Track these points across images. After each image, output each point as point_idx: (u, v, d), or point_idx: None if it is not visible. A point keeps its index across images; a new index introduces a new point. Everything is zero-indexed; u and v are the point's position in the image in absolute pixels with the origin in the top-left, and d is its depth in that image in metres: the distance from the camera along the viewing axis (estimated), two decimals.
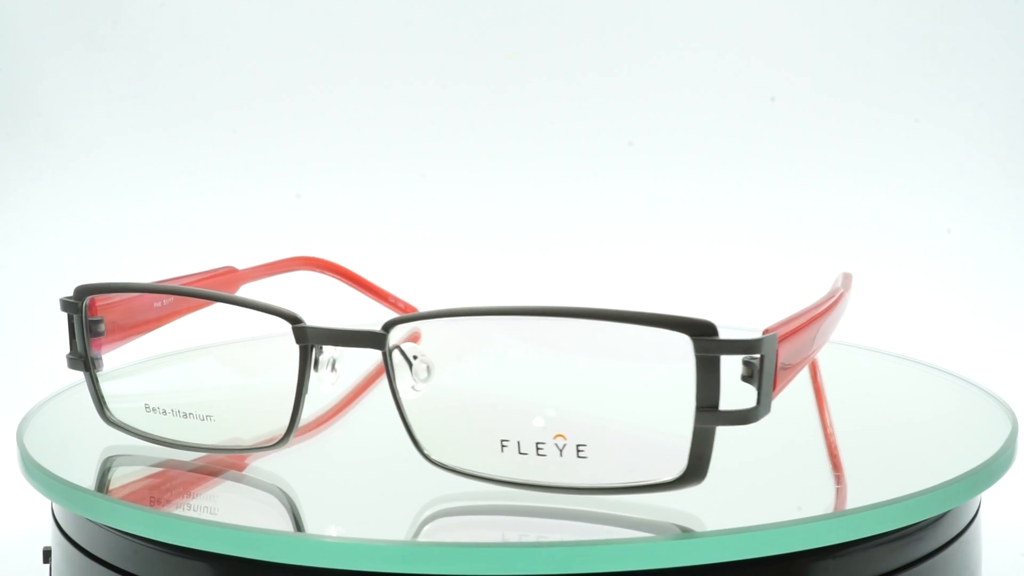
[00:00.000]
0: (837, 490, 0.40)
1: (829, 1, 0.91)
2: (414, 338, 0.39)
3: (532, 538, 0.37)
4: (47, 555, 0.43)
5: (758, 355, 0.34)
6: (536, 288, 0.84)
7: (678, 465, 0.35)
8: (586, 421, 0.37)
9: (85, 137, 0.88)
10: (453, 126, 0.91)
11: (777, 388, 0.35)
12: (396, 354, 0.38)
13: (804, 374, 0.53)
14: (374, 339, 0.38)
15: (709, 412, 0.34)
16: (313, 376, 0.39)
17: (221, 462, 0.41)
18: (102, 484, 0.40)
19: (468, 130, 0.91)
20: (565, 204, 0.90)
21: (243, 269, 0.56)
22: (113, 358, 0.45)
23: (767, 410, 0.34)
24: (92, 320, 0.43)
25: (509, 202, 0.90)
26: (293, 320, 0.39)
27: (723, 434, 0.46)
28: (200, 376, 0.52)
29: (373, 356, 0.38)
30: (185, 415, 0.42)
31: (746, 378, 0.34)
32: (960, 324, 0.82)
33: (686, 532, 0.34)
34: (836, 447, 0.44)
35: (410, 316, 0.38)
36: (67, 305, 0.43)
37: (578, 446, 0.36)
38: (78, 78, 0.88)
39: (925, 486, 0.37)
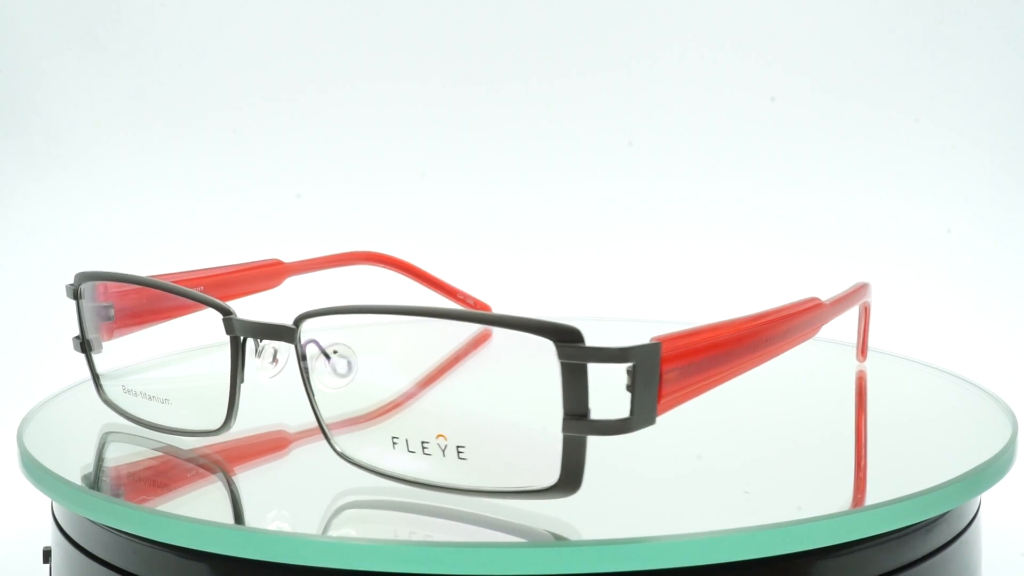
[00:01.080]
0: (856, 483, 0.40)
1: (829, 1, 0.91)
2: None
3: (430, 536, 0.37)
4: (47, 555, 0.43)
5: (630, 364, 0.32)
6: (536, 288, 0.84)
7: (553, 473, 0.34)
8: (470, 422, 0.37)
9: (85, 137, 0.88)
10: (453, 126, 0.91)
11: (667, 398, 0.33)
12: (313, 347, 0.38)
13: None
14: (284, 333, 0.38)
15: (578, 420, 0.33)
16: (256, 366, 0.40)
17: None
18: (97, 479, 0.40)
19: (468, 130, 0.91)
20: (565, 204, 0.90)
21: (289, 262, 0.57)
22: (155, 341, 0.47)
23: (648, 421, 0.33)
24: (103, 305, 0.44)
25: (509, 202, 0.90)
26: (224, 312, 0.40)
27: (723, 435, 0.46)
28: (189, 365, 0.53)
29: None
30: (149, 397, 0.44)
31: (628, 387, 0.33)
32: (960, 324, 0.82)
33: (559, 539, 0.34)
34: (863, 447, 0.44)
35: (322, 310, 0.38)
36: (69, 290, 0.46)
37: (458, 447, 0.36)
38: (78, 78, 0.88)
39: (925, 486, 0.37)
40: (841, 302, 0.46)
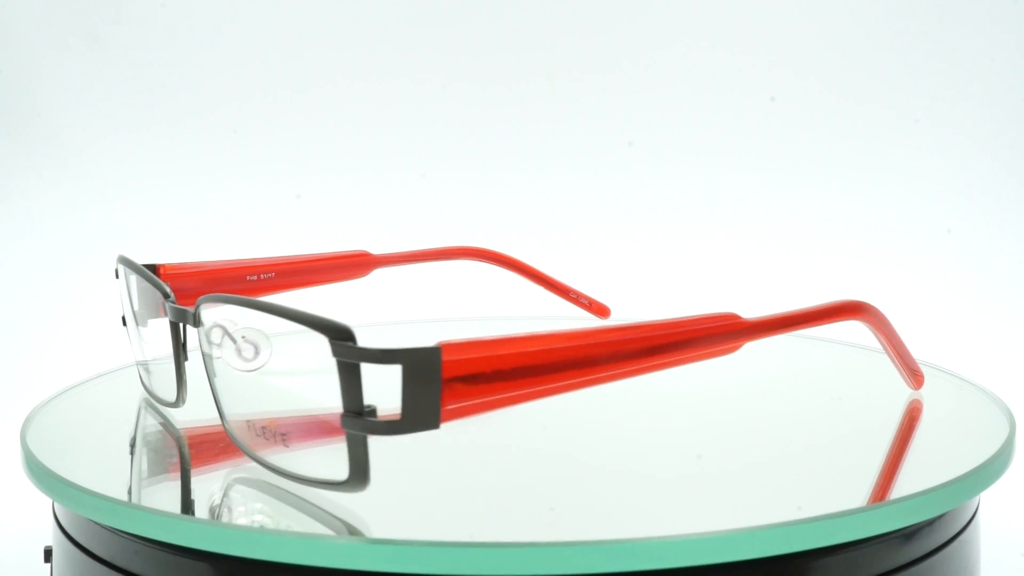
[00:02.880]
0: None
1: (830, 2, 0.91)
2: None
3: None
4: (48, 554, 0.43)
5: (398, 365, 0.32)
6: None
7: (345, 468, 0.34)
8: (298, 411, 0.38)
9: (85, 136, 0.88)
10: (453, 126, 0.91)
11: (458, 403, 0.33)
12: (217, 331, 0.39)
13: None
14: (187, 316, 0.40)
15: (354, 418, 0.33)
16: (211, 350, 0.40)
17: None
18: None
19: (468, 130, 0.91)
20: (565, 203, 0.90)
21: (378, 254, 0.57)
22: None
23: (429, 425, 0.33)
24: (160, 285, 0.46)
25: (509, 201, 0.90)
26: (165, 296, 0.42)
27: (723, 435, 0.46)
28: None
29: None
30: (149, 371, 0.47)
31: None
32: (960, 324, 0.82)
33: (354, 532, 0.34)
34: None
35: (224, 296, 0.39)
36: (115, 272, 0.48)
37: (282, 434, 0.37)
38: (78, 78, 0.88)
39: (924, 486, 0.37)
40: (790, 321, 0.42)
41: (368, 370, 0.33)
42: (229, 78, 0.90)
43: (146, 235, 0.87)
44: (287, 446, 0.37)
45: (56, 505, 0.42)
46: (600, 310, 0.62)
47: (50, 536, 0.43)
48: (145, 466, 0.43)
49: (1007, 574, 0.52)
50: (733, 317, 0.40)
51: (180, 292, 0.47)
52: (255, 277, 0.53)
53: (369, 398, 0.33)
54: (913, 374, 0.48)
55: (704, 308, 0.68)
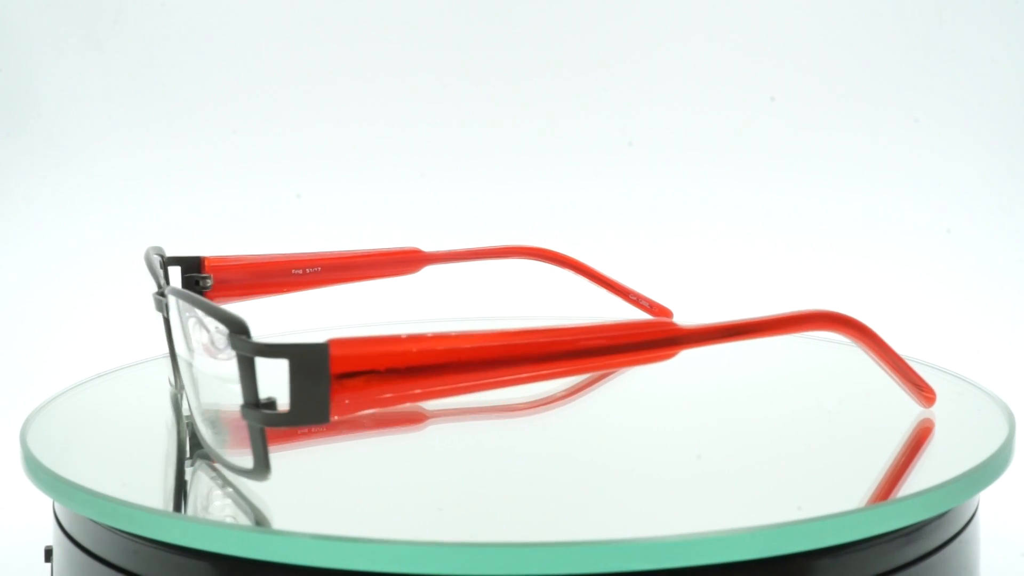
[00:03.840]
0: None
1: (830, 2, 0.91)
2: None
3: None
4: (48, 554, 0.43)
5: (285, 360, 0.33)
6: (535, 287, 0.84)
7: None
8: (227, 402, 0.39)
9: (85, 136, 0.88)
10: (453, 126, 0.91)
11: (347, 397, 0.34)
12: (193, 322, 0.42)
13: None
14: (159, 302, 0.42)
15: (251, 409, 0.34)
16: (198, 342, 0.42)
17: None
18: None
19: (468, 130, 0.91)
20: (564, 203, 0.90)
21: (430, 251, 0.58)
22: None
23: (319, 419, 0.34)
24: (200, 276, 0.50)
25: (509, 201, 0.90)
26: (161, 293, 0.43)
27: (723, 435, 0.46)
28: None
29: None
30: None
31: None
32: (960, 324, 0.82)
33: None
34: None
35: (176, 290, 0.41)
36: (153, 260, 0.49)
37: (212, 421, 0.39)
38: (78, 77, 0.88)
39: (924, 486, 0.37)
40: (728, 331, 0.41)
41: None
42: (229, 78, 0.90)
43: (146, 235, 0.87)
44: (218, 433, 0.39)
45: (56, 505, 0.42)
46: (661, 313, 0.60)
47: (50, 536, 0.43)
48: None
49: (1007, 574, 0.52)
50: (667, 324, 0.39)
51: (224, 284, 0.51)
52: (300, 271, 0.54)
53: None
54: (920, 390, 0.46)
55: (702, 306, 0.68)
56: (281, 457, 0.44)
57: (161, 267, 0.48)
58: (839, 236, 0.87)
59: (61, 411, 0.48)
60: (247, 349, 0.33)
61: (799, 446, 0.44)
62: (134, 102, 0.89)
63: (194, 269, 0.51)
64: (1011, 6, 0.88)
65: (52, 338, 0.80)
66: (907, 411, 0.49)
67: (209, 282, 0.51)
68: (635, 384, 0.53)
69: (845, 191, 0.89)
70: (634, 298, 0.60)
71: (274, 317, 0.57)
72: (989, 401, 0.47)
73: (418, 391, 0.36)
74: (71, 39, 0.88)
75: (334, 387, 0.34)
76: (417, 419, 0.47)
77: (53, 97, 0.88)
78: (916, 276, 0.85)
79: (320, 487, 0.41)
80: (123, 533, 0.38)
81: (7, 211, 0.87)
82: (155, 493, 0.40)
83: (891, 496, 0.36)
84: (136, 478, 0.41)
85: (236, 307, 0.49)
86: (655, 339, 0.38)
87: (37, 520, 0.50)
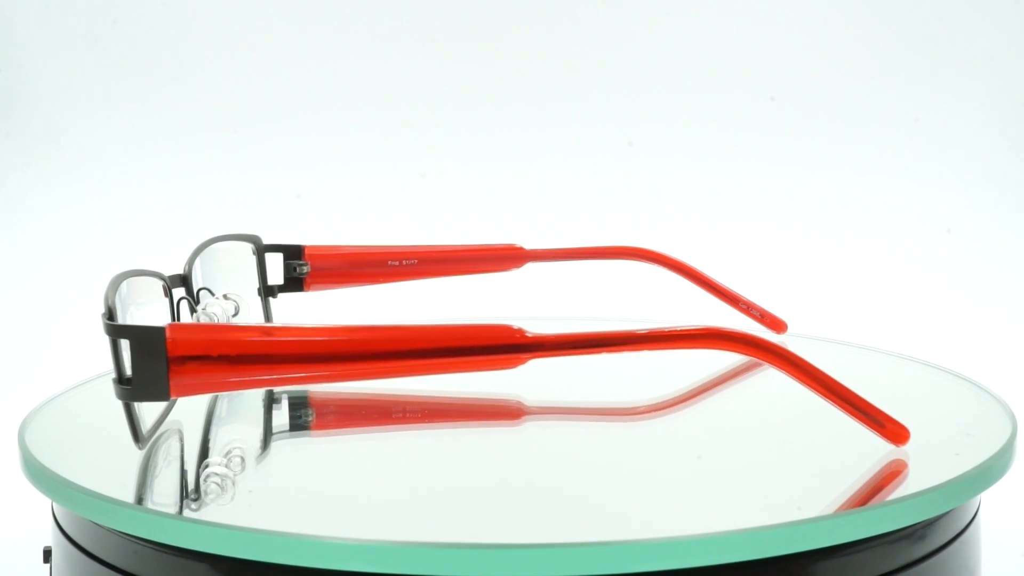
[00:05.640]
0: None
1: (830, 2, 0.91)
2: None
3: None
4: (47, 555, 0.43)
5: (125, 340, 0.37)
6: (535, 287, 0.84)
7: None
8: None
9: (85, 136, 0.88)
10: (454, 126, 0.91)
11: (187, 380, 0.37)
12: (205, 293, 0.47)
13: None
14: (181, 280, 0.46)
15: (116, 385, 0.38)
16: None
17: None
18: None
19: (468, 130, 0.91)
20: (564, 203, 0.90)
21: (531, 249, 0.58)
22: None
23: (159, 396, 0.37)
24: (298, 263, 0.54)
25: (509, 201, 0.90)
26: (159, 276, 0.45)
27: (723, 435, 0.46)
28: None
29: None
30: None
31: None
32: (960, 324, 0.82)
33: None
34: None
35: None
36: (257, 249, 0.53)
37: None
38: (78, 78, 0.88)
39: (924, 486, 0.37)
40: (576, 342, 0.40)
41: None
42: (229, 78, 0.90)
43: (146, 234, 0.87)
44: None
45: (55, 505, 0.42)
46: (774, 324, 0.58)
47: (50, 536, 0.43)
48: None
49: (1007, 574, 0.52)
50: (513, 331, 0.39)
51: (321, 272, 0.54)
52: (397, 263, 0.56)
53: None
54: (871, 419, 0.41)
55: (701, 308, 0.68)
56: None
57: (258, 253, 0.52)
58: (839, 236, 0.87)
59: (60, 411, 0.48)
60: (106, 330, 0.38)
61: (799, 446, 0.44)
62: (134, 103, 0.89)
63: (294, 257, 0.55)
64: (1011, 6, 0.88)
65: (52, 338, 0.80)
66: (908, 410, 0.49)
67: (306, 269, 0.54)
68: (634, 384, 0.53)
69: (845, 191, 0.88)
70: (744, 306, 0.58)
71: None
72: (990, 401, 0.47)
73: (248, 379, 0.38)
74: (71, 39, 0.88)
75: (174, 368, 0.37)
76: (515, 415, 0.48)
77: (53, 98, 0.88)
78: (916, 276, 0.85)
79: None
80: (122, 533, 0.38)
81: (7, 211, 0.87)
82: (155, 494, 0.40)
83: (891, 496, 0.36)
84: (136, 479, 0.41)
85: (333, 295, 0.55)
86: (497, 345, 0.39)
87: (36, 521, 0.50)
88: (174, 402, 0.45)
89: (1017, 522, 0.57)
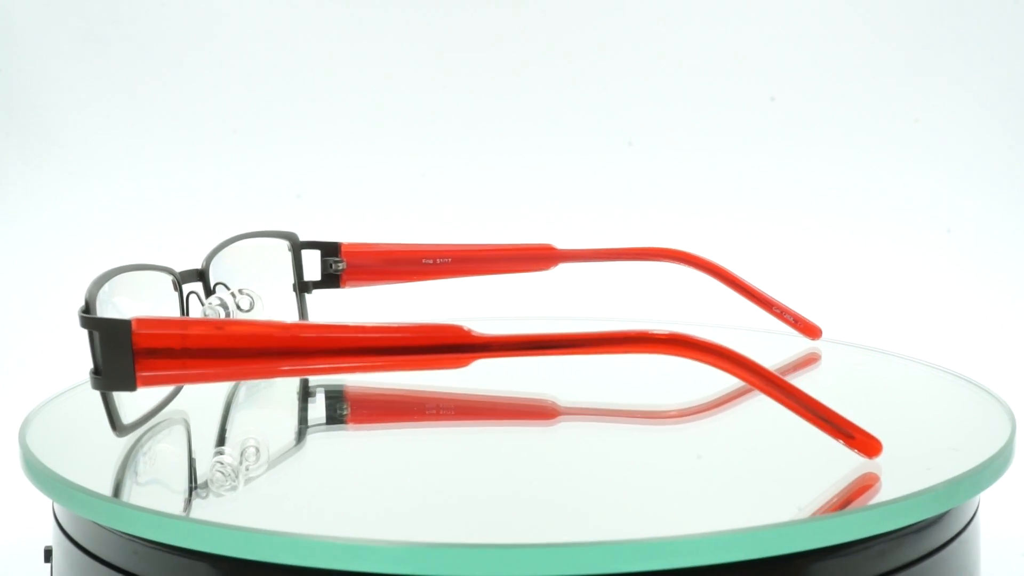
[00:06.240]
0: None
1: (830, 2, 0.91)
2: None
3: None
4: (48, 554, 0.43)
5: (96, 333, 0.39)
6: (535, 287, 0.84)
7: None
8: None
9: (85, 136, 0.88)
10: (454, 127, 0.91)
11: (152, 372, 0.39)
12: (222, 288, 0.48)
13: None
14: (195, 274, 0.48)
15: (91, 375, 0.39)
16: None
17: None
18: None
19: (469, 130, 0.91)
20: (565, 203, 0.90)
21: (564, 249, 0.58)
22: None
23: (123, 385, 0.39)
24: (335, 260, 0.55)
25: (508, 201, 0.90)
26: (169, 272, 0.46)
27: (723, 435, 0.46)
28: None
29: None
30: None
31: None
32: (960, 324, 0.82)
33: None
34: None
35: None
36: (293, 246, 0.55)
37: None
38: (78, 78, 0.88)
39: (924, 486, 0.37)
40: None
41: None
42: (229, 78, 0.90)
43: (146, 234, 0.87)
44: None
45: (56, 505, 0.42)
46: (809, 329, 0.57)
47: (50, 536, 0.43)
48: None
49: (1007, 574, 0.52)
50: (458, 330, 0.39)
51: (357, 269, 0.56)
52: (431, 261, 0.57)
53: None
54: (835, 428, 0.40)
55: (700, 308, 0.68)
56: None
57: (294, 250, 0.54)
58: (839, 236, 0.87)
59: (60, 411, 0.48)
60: (79, 321, 0.39)
61: (799, 446, 0.44)
62: (134, 103, 0.89)
63: (331, 253, 0.56)
64: (1011, 7, 0.88)
65: (52, 338, 0.80)
66: (908, 410, 0.49)
67: (341, 266, 0.56)
68: (634, 383, 0.53)
69: (845, 191, 0.88)
70: (778, 311, 0.57)
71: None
72: (989, 401, 0.47)
73: (207, 371, 0.39)
74: (71, 39, 0.88)
75: (139, 360, 0.39)
76: (549, 415, 0.48)
77: (53, 98, 0.88)
78: (916, 276, 0.85)
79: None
80: (123, 534, 0.38)
81: (7, 211, 0.87)
82: (155, 494, 0.40)
83: (892, 496, 0.36)
84: (135, 478, 0.41)
85: (370, 291, 0.56)
86: (443, 344, 0.39)
87: (36, 521, 0.50)
88: (179, 389, 0.46)
89: (1017, 522, 0.57)
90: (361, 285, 0.56)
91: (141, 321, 0.39)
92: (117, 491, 0.39)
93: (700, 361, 0.39)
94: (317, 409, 0.50)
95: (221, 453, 0.43)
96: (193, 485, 0.40)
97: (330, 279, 0.56)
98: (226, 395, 0.50)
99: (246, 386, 0.51)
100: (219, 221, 0.88)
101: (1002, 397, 0.47)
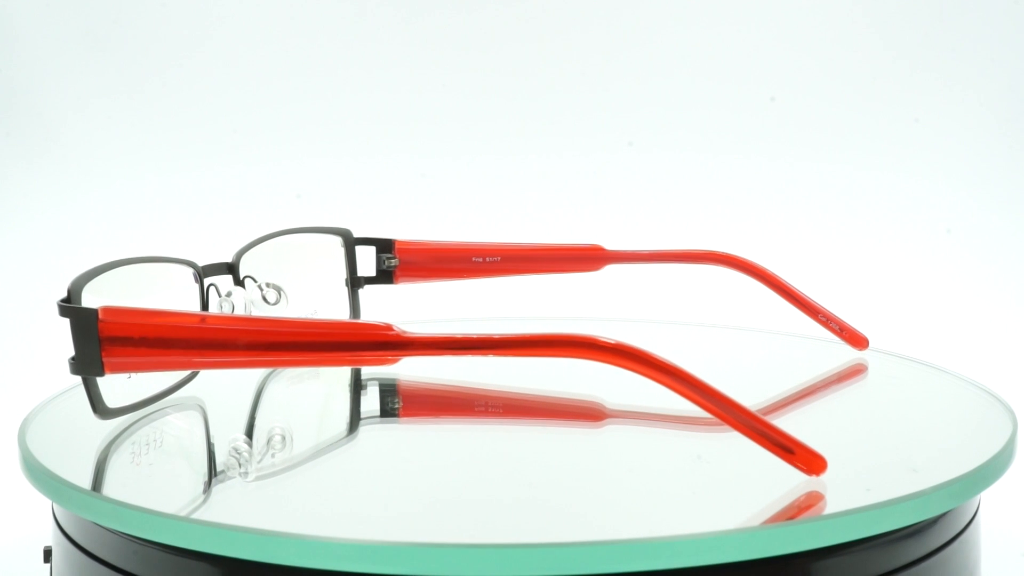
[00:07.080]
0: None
1: (829, 2, 0.91)
2: None
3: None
4: (48, 555, 0.43)
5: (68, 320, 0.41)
6: (535, 287, 0.84)
7: None
8: None
9: (85, 137, 0.88)
10: (454, 127, 0.91)
11: (119, 359, 0.41)
12: (250, 282, 0.50)
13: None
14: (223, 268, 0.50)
15: (69, 361, 0.41)
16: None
17: None
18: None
19: (468, 130, 0.91)
20: (565, 203, 0.90)
21: (613, 250, 0.58)
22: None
23: (92, 370, 0.41)
24: (387, 256, 0.56)
25: (509, 201, 0.90)
26: (191, 265, 0.48)
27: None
28: None
29: None
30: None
31: None
32: (960, 324, 0.82)
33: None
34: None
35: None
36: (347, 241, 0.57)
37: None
38: (78, 78, 0.88)
39: (925, 486, 0.37)
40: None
41: None
42: (229, 78, 0.90)
43: (147, 234, 0.87)
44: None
45: (55, 506, 0.42)
46: (854, 339, 0.56)
47: (50, 536, 0.43)
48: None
49: (1007, 574, 0.52)
50: (387, 329, 0.40)
51: (409, 266, 0.57)
52: (480, 259, 0.57)
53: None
54: (789, 453, 0.38)
55: (700, 308, 0.68)
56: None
57: (348, 246, 0.56)
58: (839, 236, 0.87)
59: (60, 411, 0.48)
60: (61, 311, 0.41)
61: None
62: (134, 103, 0.89)
63: (386, 250, 0.57)
64: (1011, 7, 0.88)
65: (52, 338, 0.79)
66: (909, 410, 0.49)
67: (394, 263, 0.57)
68: (634, 384, 0.53)
69: (845, 191, 0.88)
70: (823, 319, 0.56)
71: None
72: (990, 401, 0.47)
73: (167, 360, 0.41)
74: (71, 39, 0.88)
75: (107, 348, 0.40)
76: (596, 417, 0.49)
77: (53, 98, 0.88)
78: (916, 276, 0.85)
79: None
80: (123, 534, 0.38)
81: (6, 210, 0.87)
82: (155, 494, 0.40)
83: (891, 497, 0.36)
84: (136, 479, 0.41)
85: (421, 288, 0.58)
86: (370, 342, 0.40)
87: (36, 521, 0.50)
88: (195, 374, 0.47)
89: (1017, 522, 0.57)
90: (413, 281, 0.57)
91: (108, 310, 0.41)
92: (117, 491, 0.39)
93: (615, 365, 0.38)
94: (373, 402, 0.51)
95: (239, 442, 0.44)
96: (197, 484, 0.40)
97: (383, 275, 0.57)
98: (256, 385, 0.51)
99: (276, 376, 0.52)
100: (219, 221, 0.88)
101: (1003, 397, 0.47)
